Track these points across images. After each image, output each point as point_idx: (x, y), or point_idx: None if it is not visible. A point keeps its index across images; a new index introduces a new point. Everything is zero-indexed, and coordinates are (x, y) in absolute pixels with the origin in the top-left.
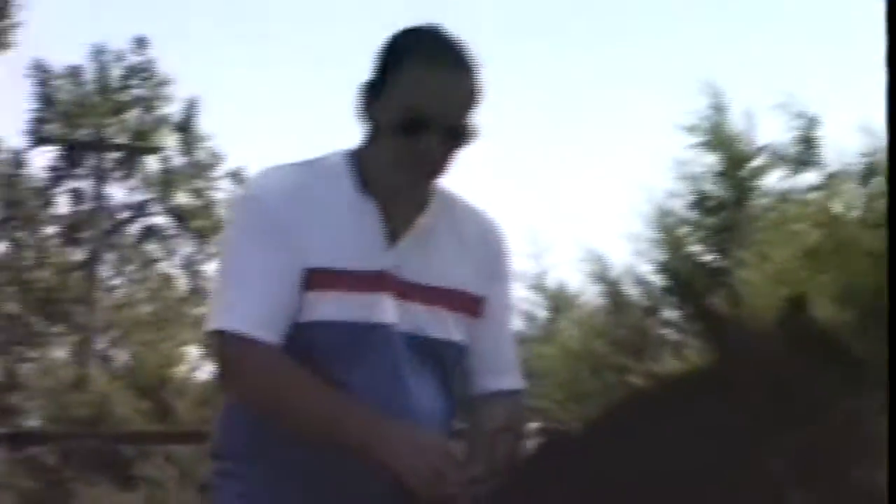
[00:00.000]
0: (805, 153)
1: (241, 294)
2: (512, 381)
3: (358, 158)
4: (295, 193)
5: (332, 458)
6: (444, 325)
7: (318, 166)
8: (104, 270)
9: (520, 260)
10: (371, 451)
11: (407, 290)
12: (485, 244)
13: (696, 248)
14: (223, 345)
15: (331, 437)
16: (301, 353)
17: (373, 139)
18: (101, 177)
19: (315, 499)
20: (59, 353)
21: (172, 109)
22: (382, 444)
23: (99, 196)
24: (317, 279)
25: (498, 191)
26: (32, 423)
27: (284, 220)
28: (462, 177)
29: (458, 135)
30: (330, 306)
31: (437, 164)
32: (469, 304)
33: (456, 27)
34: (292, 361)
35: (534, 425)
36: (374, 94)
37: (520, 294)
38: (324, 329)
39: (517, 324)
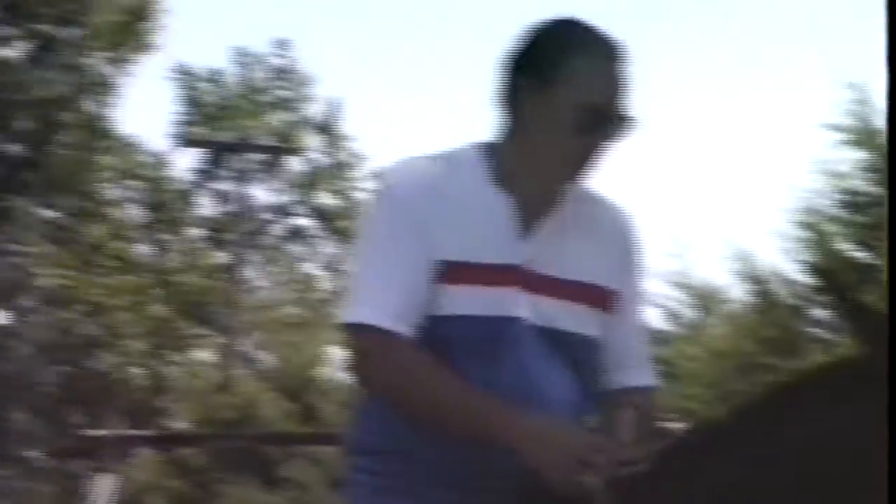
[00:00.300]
0: None
1: (375, 287)
2: (644, 377)
3: (493, 151)
4: (429, 186)
5: (468, 452)
6: (577, 320)
7: (451, 159)
8: (248, 272)
9: (663, 256)
10: (508, 445)
11: (540, 285)
12: (618, 238)
13: (844, 246)
14: (357, 337)
15: (466, 431)
16: (434, 346)
17: (517, 133)
18: (244, 178)
19: (451, 494)
20: (205, 355)
21: (315, 110)
22: (519, 438)
23: (242, 198)
24: (451, 272)
25: (640, 186)
26: (180, 424)
27: (419, 212)
28: (605, 172)
29: (621, 129)
30: (464, 300)
31: (602, 160)
32: (601, 299)
33: (595, 19)
34: (426, 354)
35: (680, 426)
36: (531, 91)
37: (663, 291)
38: (458, 323)
39: (660, 321)
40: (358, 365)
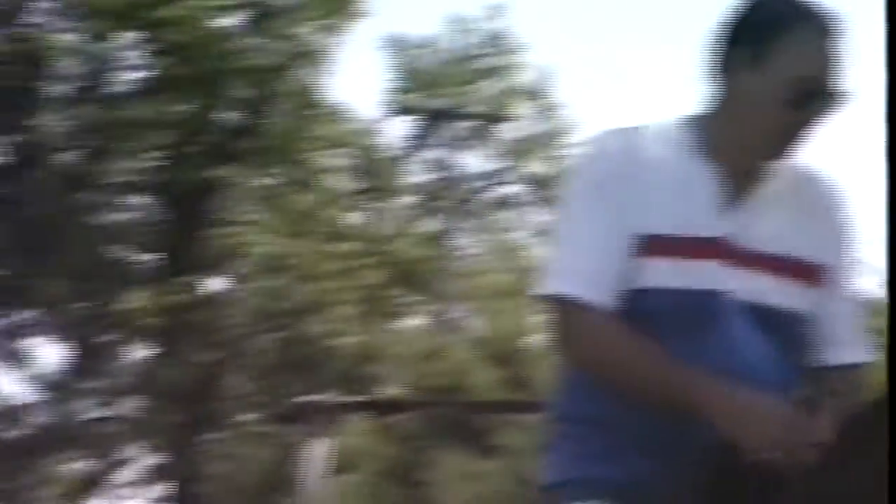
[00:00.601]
0: None
1: (573, 258)
2: (855, 353)
3: (700, 124)
4: (632, 158)
5: (669, 423)
6: (782, 294)
7: (656, 130)
8: (459, 239)
9: (879, 224)
10: (710, 417)
11: (744, 258)
12: (825, 211)
13: None
14: (555, 308)
15: (667, 403)
16: (635, 318)
17: (726, 106)
18: (456, 146)
19: (652, 463)
20: (416, 322)
21: (527, 78)
22: (720, 411)
23: (454, 165)
24: (653, 245)
25: (864, 153)
26: (391, 391)
27: (619, 184)
28: (826, 141)
29: (834, 103)
30: (666, 273)
31: (812, 135)
32: (808, 273)
33: None
34: (626, 326)
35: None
36: (743, 64)
37: (879, 261)
38: (660, 296)
39: (876, 293)
40: (558, 336)
